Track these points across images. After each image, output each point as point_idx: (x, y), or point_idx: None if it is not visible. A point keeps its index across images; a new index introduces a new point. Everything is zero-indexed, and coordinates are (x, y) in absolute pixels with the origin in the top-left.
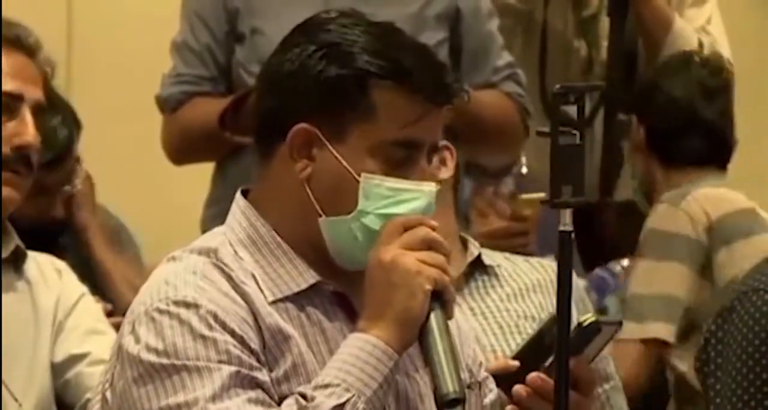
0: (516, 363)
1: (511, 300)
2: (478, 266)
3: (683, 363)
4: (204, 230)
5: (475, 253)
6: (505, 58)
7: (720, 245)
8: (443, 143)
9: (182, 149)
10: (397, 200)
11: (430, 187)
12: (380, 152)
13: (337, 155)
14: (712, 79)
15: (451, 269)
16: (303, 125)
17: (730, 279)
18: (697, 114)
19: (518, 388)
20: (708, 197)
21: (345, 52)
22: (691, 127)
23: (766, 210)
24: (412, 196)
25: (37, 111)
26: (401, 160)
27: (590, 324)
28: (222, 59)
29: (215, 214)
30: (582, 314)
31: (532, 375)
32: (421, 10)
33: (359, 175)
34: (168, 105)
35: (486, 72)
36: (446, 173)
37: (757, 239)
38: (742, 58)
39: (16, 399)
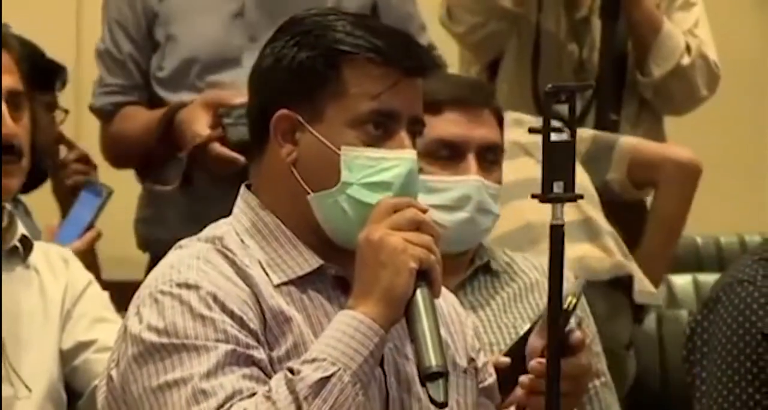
0: (507, 359)
1: (510, 303)
2: (482, 267)
3: None
4: (138, 233)
5: (485, 259)
6: (423, 40)
7: None
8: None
9: (118, 157)
10: (379, 168)
11: (411, 154)
12: (358, 125)
13: (316, 134)
14: None
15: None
16: (283, 111)
17: None
18: None
19: (523, 378)
20: None
21: (316, 36)
22: None
23: (766, 204)
24: (393, 164)
25: (14, 97)
26: (380, 132)
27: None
28: (145, 66)
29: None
30: (577, 310)
31: (532, 363)
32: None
33: (340, 149)
34: (101, 115)
35: None
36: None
37: None
38: (742, 57)
39: (26, 386)
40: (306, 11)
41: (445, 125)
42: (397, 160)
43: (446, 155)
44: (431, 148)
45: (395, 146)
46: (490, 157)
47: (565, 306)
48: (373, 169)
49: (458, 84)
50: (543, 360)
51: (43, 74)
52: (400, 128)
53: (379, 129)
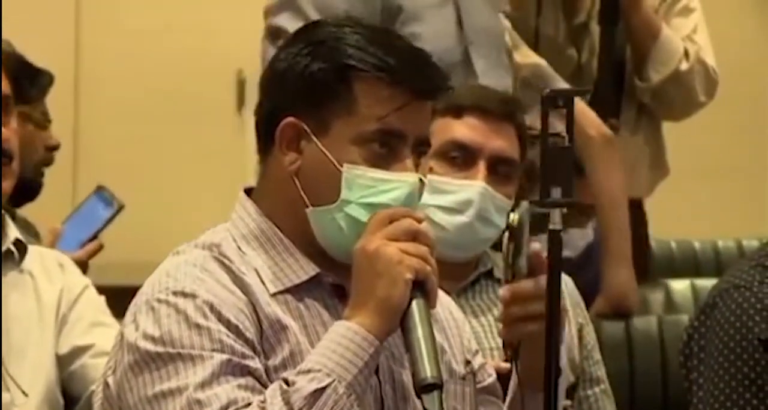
0: (507, 365)
1: None
2: (485, 273)
3: None
4: None
5: (489, 265)
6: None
7: None
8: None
9: None
10: (379, 190)
11: (413, 178)
12: (363, 143)
13: (321, 146)
14: None
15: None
16: (290, 118)
17: None
18: None
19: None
20: None
21: (330, 48)
22: None
23: (765, 209)
24: (394, 186)
25: (4, 101)
26: (384, 151)
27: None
28: None
29: None
30: (578, 317)
31: (500, 291)
32: None
33: (342, 165)
34: None
35: None
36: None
37: None
38: (741, 63)
39: (23, 392)
40: (324, 19)
41: (463, 129)
42: (398, 183)
43: (458, 157)
44: (444, 148)
45: (399, 168)
46: (503, 170)
47: (509, 222)
48: (374, 190)
49: (485, 93)
50: (508, 286)
51: (31, 84)
52: (405, 148)
53: (384, 148)
